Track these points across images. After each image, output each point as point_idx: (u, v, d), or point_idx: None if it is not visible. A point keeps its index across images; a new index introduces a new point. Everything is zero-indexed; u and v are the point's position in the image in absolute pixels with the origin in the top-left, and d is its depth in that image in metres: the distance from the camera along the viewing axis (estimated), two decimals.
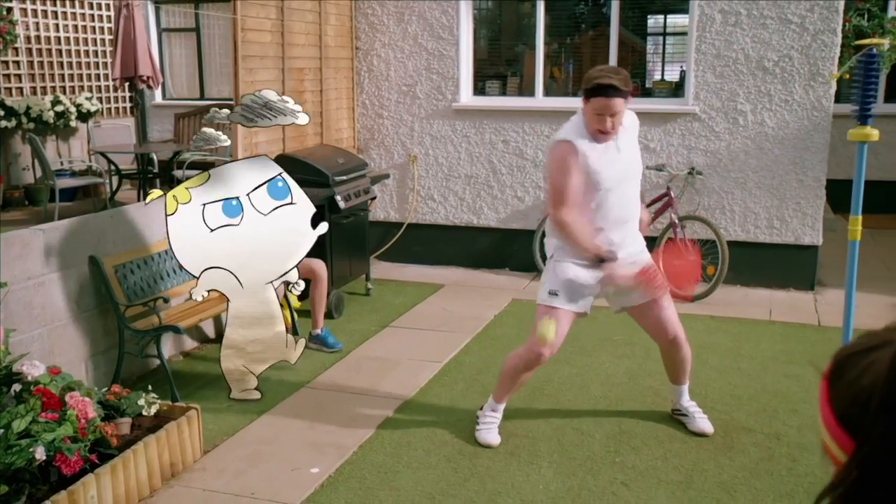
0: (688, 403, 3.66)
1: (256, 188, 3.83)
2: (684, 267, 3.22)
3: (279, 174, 3.90)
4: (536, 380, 4.14)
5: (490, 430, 3.53)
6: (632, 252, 3.37)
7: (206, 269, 3.76)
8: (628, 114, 3.38)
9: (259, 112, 3.65)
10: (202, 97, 9.55)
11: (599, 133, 3.18)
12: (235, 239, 3.79)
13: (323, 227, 4.04)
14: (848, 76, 6.92)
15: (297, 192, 3.94)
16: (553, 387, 4.08)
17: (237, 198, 3.76)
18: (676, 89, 6.36)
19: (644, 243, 3.48)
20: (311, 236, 3.96)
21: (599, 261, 3.22)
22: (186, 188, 3.78)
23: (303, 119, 3.69)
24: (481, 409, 3.62)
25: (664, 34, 7.17)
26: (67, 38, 8.70)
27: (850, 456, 0.82)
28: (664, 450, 3.40)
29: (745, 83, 5.64)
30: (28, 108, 7.91)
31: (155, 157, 8.00)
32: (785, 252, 5.77)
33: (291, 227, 3.91)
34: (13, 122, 7.86)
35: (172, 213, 3.73)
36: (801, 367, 4.31)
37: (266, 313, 3.93)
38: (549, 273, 3.37)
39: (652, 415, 3.74)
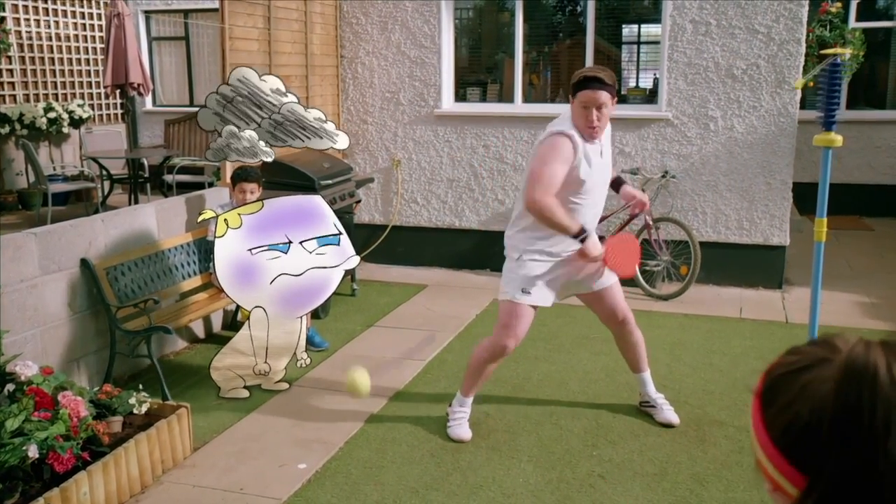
0: (655, 395, 3.72)
1: (309, 239, 3.92)
2: (625, 251, 3.47)
3: (339, 234, 4.01)
4: (517, 377, 4.23)
5: (461, 425, 3.56)
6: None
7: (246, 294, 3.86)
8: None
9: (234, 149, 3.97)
10: (191, 104, 9.57)
11: (587, 129, 3.22)
12: (275, 270, 3.85)
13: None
14: (812, 84, 7.14)
15: (343, 234, 4.04)
16: (532, 383, 4.14)
17: (289, 242, 3.87)
18: (650, 96, 6.45)
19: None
20: (340, 272, 4.01)
21: (579, 238, 3.21)
22: (239, 214, 3.85)
23: (269, 156, 4.03)
24: (450, 405, 3.66)
25: (638, 43, 7.20)
26: (60, 47, 8.74)
27: (802, 492, 0.80)
28: (640, 443, 3.47)
29: (716, 90, 5.75)
30: (21, 114, 7.95)
31: (145, 162, 8.07)
32: (754, 252, 5.87)
33: (329, 264, 3.96)
34: (7, 129, 7.90)
35: (221, 236, 3.81)
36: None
37: (290, 344, 4.01)
38: (514, 272, 3.40)
39: (628, 410, 3.78)
